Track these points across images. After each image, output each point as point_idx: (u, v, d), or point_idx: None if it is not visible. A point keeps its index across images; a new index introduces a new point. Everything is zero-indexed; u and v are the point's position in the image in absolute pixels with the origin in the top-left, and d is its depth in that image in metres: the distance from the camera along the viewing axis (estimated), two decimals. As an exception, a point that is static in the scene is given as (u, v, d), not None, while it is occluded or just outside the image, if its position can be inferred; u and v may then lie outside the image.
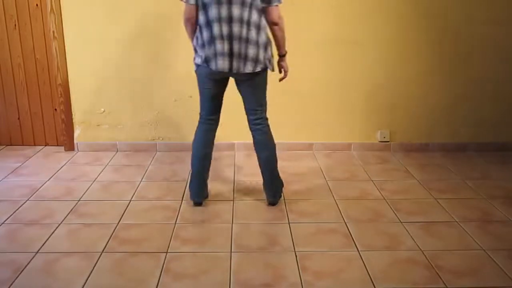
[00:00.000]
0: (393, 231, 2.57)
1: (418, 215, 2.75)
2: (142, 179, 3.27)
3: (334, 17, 3.60)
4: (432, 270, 2.20)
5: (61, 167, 3.49)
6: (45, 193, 3.03)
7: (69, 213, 2.75)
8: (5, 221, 2.65)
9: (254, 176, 3.25)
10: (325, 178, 3.31)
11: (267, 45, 2.55)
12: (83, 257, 2.29)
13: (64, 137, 3.83)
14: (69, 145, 3.85)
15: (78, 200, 2.92)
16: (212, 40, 2.48)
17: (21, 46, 3.70)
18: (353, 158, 3.73)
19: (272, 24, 2.52)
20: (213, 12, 2.44)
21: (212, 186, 3.08)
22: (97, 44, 3.62)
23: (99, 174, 3.36)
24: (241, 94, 2.70)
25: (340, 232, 2.56)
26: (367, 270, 2.20)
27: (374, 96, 3.78)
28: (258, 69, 2.54)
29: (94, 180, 3.24)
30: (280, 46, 2.65)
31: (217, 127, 2.80)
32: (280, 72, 2.76)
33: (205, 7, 2.45)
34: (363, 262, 2.27)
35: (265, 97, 2.73)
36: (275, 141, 3.81)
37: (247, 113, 2.73)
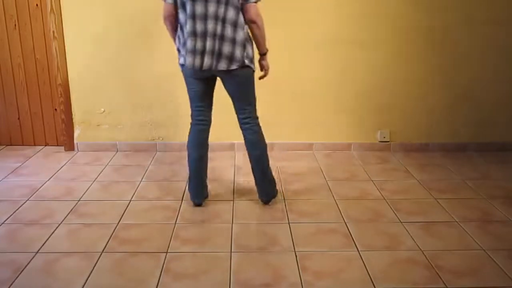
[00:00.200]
0: (393, 231, 2.57)
1: (418, 215, 2.75)
2: (142, 179, 3.28)
3: (334, 17, 3.60)
4: (432, 270, 2.20)
5: (61, 167, 3.49)
6: (45, 193, 3.03)
7: (69, 213, 2.75)
8: (5, 221, 2.65)
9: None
10: (325, 178, 3.31)
11: (245, 42, 2.51)
12: (83, 257, 2.29)
13: (64, 137, 3.83)
14: (69, 145, 3.85)
15: (78, 200, 2.92)
16: (186, 37, 2.48)
17: (21, 46, 3.70)
18: (353, 158, 3.73)
19: (250, 22, 2.49)
20: (188, 9, 2.43)
21: (212, 186, 3.08)
22: (97, 44, 3.63)
23: (99, 174, 3.36)
24: (228, 94, 2.68)
25: (340, 232, 2.56)
26: (367, 270, 2.20)
27: (374, 96, 3.78)
28: (234, 66, 2.50)
29: (94, 180, 3.24)
30: (259, 45, 2.61)
31: (209, 127, 2.78)
32: (262, 70, 2.72)
33: (184, 6, 2.46)
34: (363, 262, 2.27)
35: (253, 95, 2.69)
36: (276, 141, 3.86)
37: (236, 112, 2.71)
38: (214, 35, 2.44)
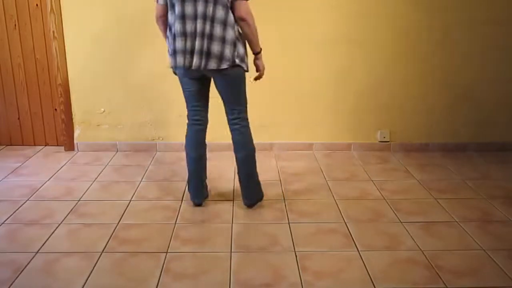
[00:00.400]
0: (393, 231, 2.57)
1: (418, 215, 2.75)
2: (142, 179, 3.28)
3: (334, 17, 3.60)
4: (432, 270, 2.20)
5: (61, 167, 3.49)
6: (45, 193, 3.03)
7: (69, 213, 2.75)
8: (5, 221, 2.65)
9: (254, 176, 3.25)
10: (325, 178, 3.31)
11: (236, 42, 2.48)
12: (83, 257, 2.29)
13: (64, 137, 3.83)
14: (69, 145, 3.85)
15: (78, 200, 2.92)
16: (173, 37, 2.47)
17: (21, 46, 3.70)
18: (353, 158, 3.73)
19: (240, 20, 2.44)
20: (176, 10, 2.43)
21: (212, 186, 3.08)
22: (97, 44, 3.63)
23: (99, 174, 3.36)
24: (219, 94, 2.65)
25: (340, 232, 2.56)
26: (367, 270, 2.20)
27: (374, 96, 3.78)
28: (224, 66, 2.47)
29: (94, 180, 3.24)
30: (251, 44, 2.55)
31: (206, 127, 2.77)
32: (257, 71, 2.68)
33: (173, 6, 2.46)
34: (363, 262, 2.27)
35: (243, 96, 2.66)
36: (276, 141, 3.86)
37: (225, 112, 2.68)
38: (202, 34, 2.42)
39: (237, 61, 2.50)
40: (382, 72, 3.73)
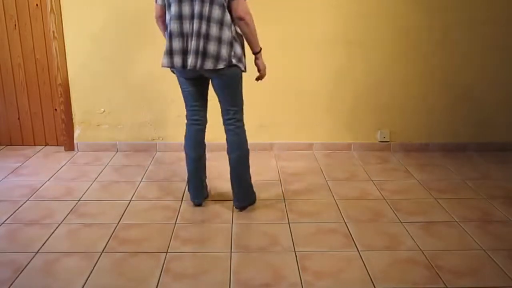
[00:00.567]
0: (393, 231, 2.57)
1: (418, 215, 2.75)
2: (142, 179, 3.28)
3: (334, 17, 3.60)
4: (432, 270, 2.20)
5: (61, 167, 3.49)
6: (45, 193, 3.03)
7: (69, 213, 2.75)
8: (5, 221, 2.65)
9: (253, 176, 3.23)
10: (325, 178, 3.31)
11: (233, 42, 2.47)
12: (83, 257, 2.29)
13: (64, 137, 3.83)
14: (69, 145, 3.85)
15: (78, 200, 2.92)
16: (169, 37, 2.47)
17: (21, 46, 3.70)
18: (353, 158, 3.73)
19: (238, 19, 2.42)
20: (172, 10, 2.43)
21: (212, 186, 3.08)
22: (97, 44, 3.63)
23: (99, 174, 3.36)
24: (215, 93, 2.65)
25: (340, 232, 2.56)
26: (367, 270, 2.20)
27: (374, 96, 3.78)
28: (221, 66, 2.45)
29: (94, 180, 3.24)
30: (251, 43, 2.52)
31: (205, 127, 2.76)
32: (258, 71, 2.66)
33: (169, 6, 2.46)
34: (363, 262, 2.27)
35: (239, 97, 2.64)
36: (276, 141, 3.86)
37: (221, 113, 2.67)
38: (198, 34, 2.41)
39: (233, 61, 2.48)
40: (382, 72, 3.73)
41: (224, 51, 2.44)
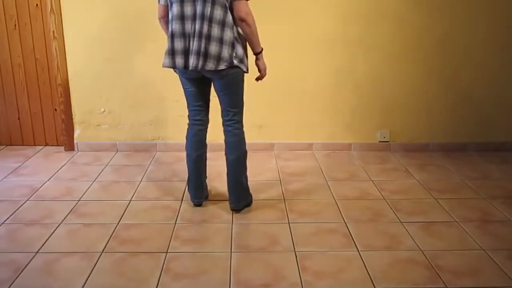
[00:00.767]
0: (393, 231, 2.57)
1: (418, 215, 2.75)
2: (142, 179, 3.28)
3: (334, 17, 3.60)
4: (432, 270, 2.20)
5: (61, 167, 3.49)
6: (45, 193, 3.03)
7: (69, 213, 2.75)
8: (5, 221, 2.65)
9: (254, 176, 3.24)
10: (325, 178, 3.31)
11: (234, 42, 2.46)
12: (83, 257, 2.29)
13: (64, 137, 3.83)
14: (69, 145, 3.85)
15: (78, 200, 2.92)
16: (171, 37, 2.47)
17: (21, 46, 3.70)
18: (353, 158, 3.73)
19: (239, 20, 2.42)
20: (174, 10, 2.43)
21: (212, 186, 3.08)
22: (97, 44, 3.63)
23: (99, 174, 3.36)
24: (216, 94, 2.64)
25: (340, 232, 2.56)
26: (367, 270, 2.20)
27: (374, 96, 3.78)
28: (222, 66, 2.44)
29: (94, 180, 3.24)
30: (252, 44, 2.52)
31: (206, 127, 2.76)
32: (259, 71, 2.65)
33: (172, 6, 2.46)
34: (363, 262, 2.27)
35: (240, 99, 2.63)
36: (276, 141, 3.86)
37: (221, 114, 2.67)
38: (200, 35, 2.41)
39: (235, 62, 2.48)
40: (382, 72, 3.73)
41: (226, 52, 2.44)
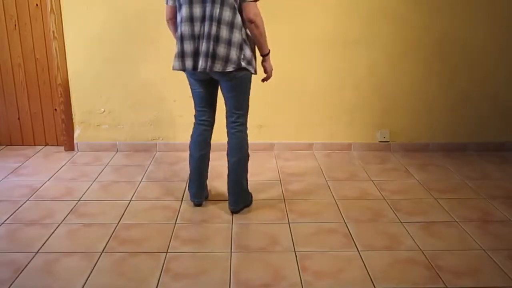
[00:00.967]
0: (393, 231, 2.57)
1: (418, 215, 2.75)
2: (142, 179, 3.28)
3: (334, 16, 3.60)
4: (432, 270, 2.20)
5: (61, 167, 3.49)
6: (45, 193, 3.03)
7: (69, 213, 2.75)
8: (5, 221, 2.66)
9: (253, 176, 3.24)
10: (325, 178, 3.31)
11: (243, 44, 2.46)
12: (83, 257, 2.29)
13: (64, 137, 3.83)
14: (69, 145, 3.85)
15: (78, 200, 2.92)
16: (180, 39, 2.47)
17: (21, 46, 3.70)
18: (353, 158, 3.73)
19: (248, 21, 2.41)
20: (183, 11, 2.43)
21: (212, 186, 3.08)
22: (97, 44, 3.63)
23: (99, 174, 3.36)
24: (223, 95, 2.64)
25: (340, 232, 2.56)
26: (367, 270, 2.20)
27: (374, 96, 3.78)
28: (230, 68, 2.43)
29: (94, 180, 3.24)
30: (260, 45, 2.52)
31: (212, 127, 2.77)
32: (265, 73, 2.65)
33: (180, 8, 2.45)
34: (363, 262, 2.27)
35: (246, 102, 2.63)
36: (276, 141, 3.86)
37: (226, 115, 2.67)
38: (209, 36, 2.41)
39: (243, 64, 2.47)
40: (382, 72, 3.73)
41: (234, 54, 2.43)
